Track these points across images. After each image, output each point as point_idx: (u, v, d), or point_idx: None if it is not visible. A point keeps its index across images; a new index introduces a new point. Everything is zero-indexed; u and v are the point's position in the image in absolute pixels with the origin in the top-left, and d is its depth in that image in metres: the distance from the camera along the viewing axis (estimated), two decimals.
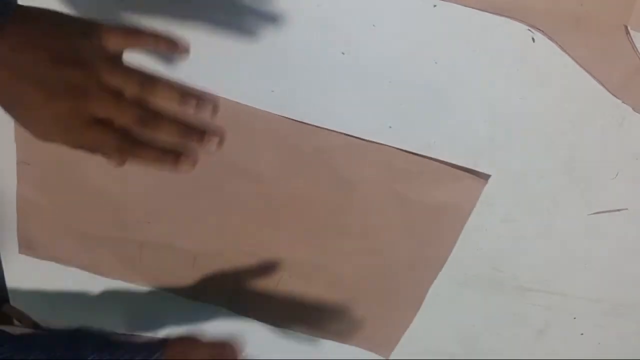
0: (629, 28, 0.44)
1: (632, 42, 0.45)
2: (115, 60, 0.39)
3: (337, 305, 0.67)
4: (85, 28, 0.38)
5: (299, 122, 0.53)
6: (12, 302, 0.73)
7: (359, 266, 0.63)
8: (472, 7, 0.44)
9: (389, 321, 0.69)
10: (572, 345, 0.70)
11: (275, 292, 0.67)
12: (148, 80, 0.39)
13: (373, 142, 0.53)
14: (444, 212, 0.58)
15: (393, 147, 0.54)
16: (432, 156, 0.54)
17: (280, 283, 0.66)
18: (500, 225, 0.59)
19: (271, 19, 0.47)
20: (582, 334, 0.69)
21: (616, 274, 0.63)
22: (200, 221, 0.61)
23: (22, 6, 0.36)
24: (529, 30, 0.45)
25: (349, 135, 0.53)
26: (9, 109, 0.38)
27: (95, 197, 0.60)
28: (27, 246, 0.66)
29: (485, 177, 0.55)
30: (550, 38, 0.45)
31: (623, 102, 0.49)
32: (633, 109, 0.49)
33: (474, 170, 0.55)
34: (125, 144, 0.40)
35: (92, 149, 0.39)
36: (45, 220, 0.63)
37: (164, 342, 0.64)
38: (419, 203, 0.57)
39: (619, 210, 0.57)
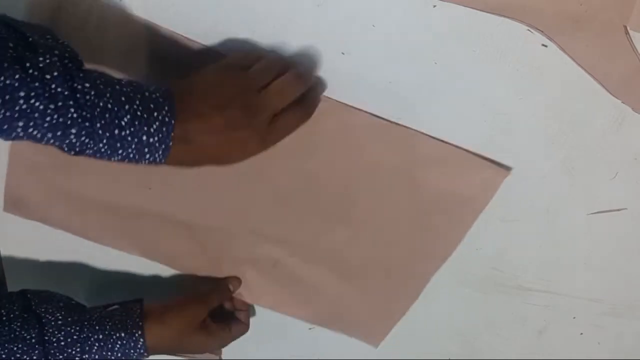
0: (628, 28, 0.44)
1: (632, 42, 0.45)
2: (251, 68, 0.46)
3: (332, 290, 0.66)
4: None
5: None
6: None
7: (361, 251, 0.62)
8: (472, 7, 0.44)
9: (382, 311, 0.68)
10: (572, 345, 0.70)
11: (271, 273, 0.65)
12: (275, 64, 0.47)
13: (398, 124, 0.52)
14: (459, 203, 0.56)
15: (418, 130, 0.52)
16: None
17: (278, 264, 0.64)
18: (500, 225, 0.59)
19: (271, 18, 0.47)
20: (581, 334, 0.69)
21: (616, 274, 0.63)
22: (204, 193, 0.59)
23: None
24: (529, 30, 0.45)
25: (373, 114, 0.52)
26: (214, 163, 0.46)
27: None
28: (14, 204, 0.60)
29: (507, 168, 0.54)
30: (550, 38, 0.45)
31: (623, 102, 0.49)
32: (633, 109, 0.49)
33: (496, 161, 0.54)
34: (302, 111, 0.49)
35: (284, 136, 0.48)
36: (38, 177, 0.58)
37: (142, 318, 0.57)
38: (435, 191, 0.56)
39: (618, 210, 0.57)
